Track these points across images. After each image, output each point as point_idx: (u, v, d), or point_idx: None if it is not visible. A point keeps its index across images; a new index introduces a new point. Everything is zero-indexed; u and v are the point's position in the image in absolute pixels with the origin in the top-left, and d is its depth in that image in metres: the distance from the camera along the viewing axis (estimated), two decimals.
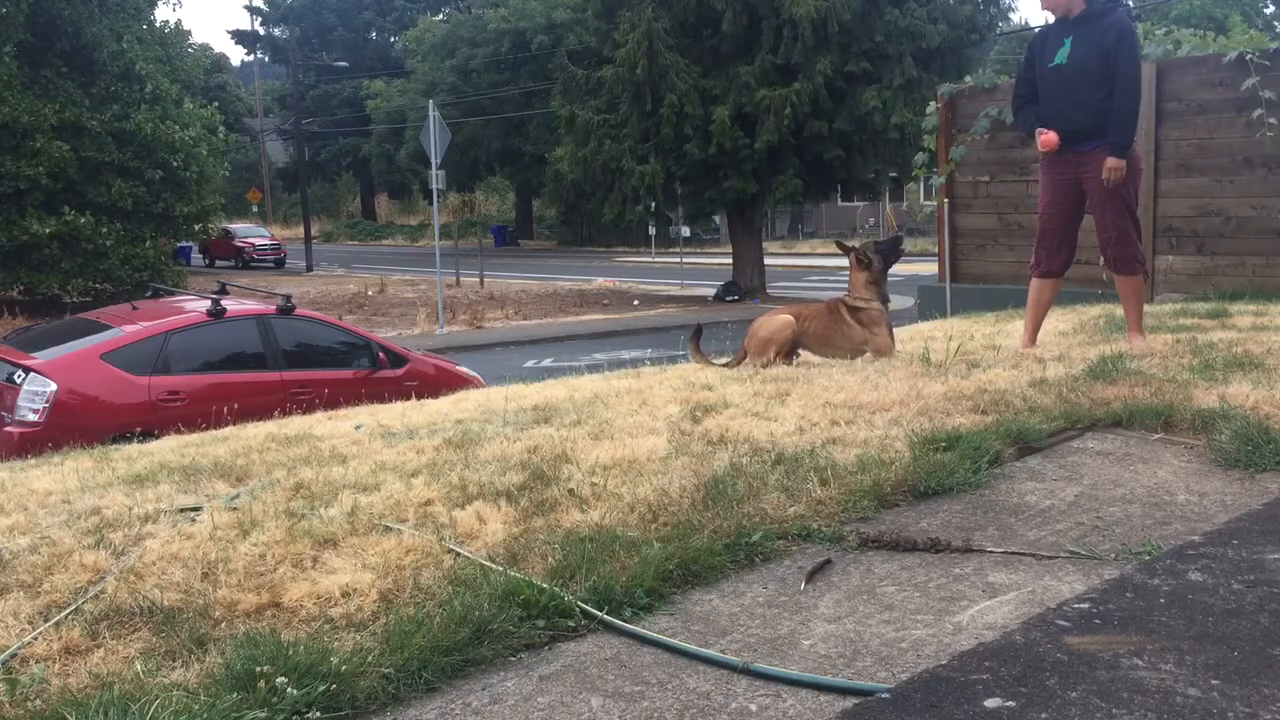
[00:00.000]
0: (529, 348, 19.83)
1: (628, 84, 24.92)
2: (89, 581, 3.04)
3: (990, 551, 3.15)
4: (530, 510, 3.47)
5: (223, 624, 2.74)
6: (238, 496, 3.84)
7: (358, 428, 5.28)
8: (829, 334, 6.25)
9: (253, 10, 62.25)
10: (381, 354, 10.02)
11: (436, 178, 22.73)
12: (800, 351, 6.29)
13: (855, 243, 6.58)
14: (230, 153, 40.97)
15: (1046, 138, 5.78)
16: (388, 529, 3.33)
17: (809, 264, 37.73)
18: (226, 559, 3.12)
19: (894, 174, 28.46)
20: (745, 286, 27.23)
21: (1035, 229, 6.23)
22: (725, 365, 6.27)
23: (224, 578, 3.00)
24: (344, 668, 2.42)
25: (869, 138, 25.01)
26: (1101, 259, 6.06)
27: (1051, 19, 5.95)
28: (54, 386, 8.21)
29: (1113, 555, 3.07)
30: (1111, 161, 5.64)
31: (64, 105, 22.96)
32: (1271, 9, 46.26)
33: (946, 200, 11.87)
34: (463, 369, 11.00)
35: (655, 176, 25.32)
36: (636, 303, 26.80)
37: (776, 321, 6.16)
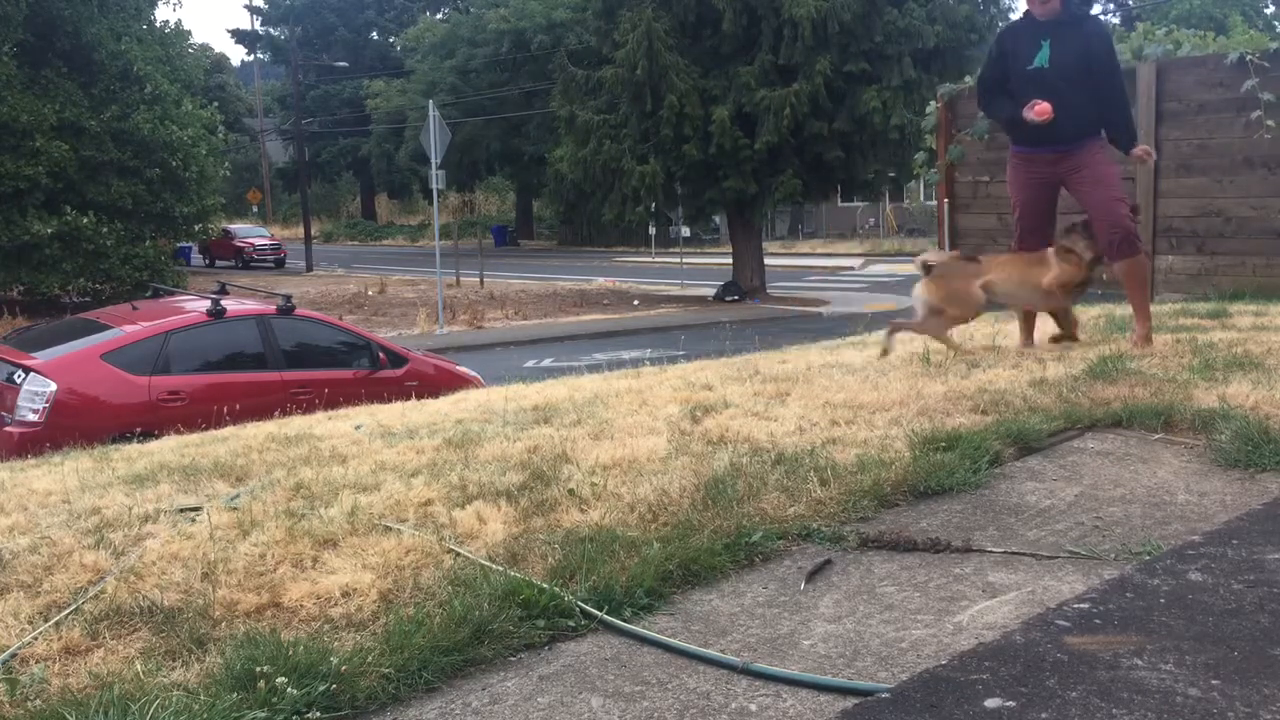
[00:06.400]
0: (529, 348, 19.83)
1: (628, 84, 24.92)
2: (89, 581, 3.04)
3: (990, 551, 3.15)
4: (530, 510, 3.47)
5: (223, 624, 2.74)
6: (238, 496, 3.84)
7: (358, 428, 5.28)
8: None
9: (253, 10, 62.27)
10: (381, 354, 10.02)
11: (436, 178, 22.72)
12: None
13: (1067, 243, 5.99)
14: (230, 153, 41.03)
15: (1042, 107, 5.65)
16: (388, 529, 3.33)
17: (809, 264, 37.74)
18: (226, 559, 3.12)
19: (893, 174, 28.47)
20: (745, 287, 27.23)
21: (1013, 230, 6.22)
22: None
23: (224, 578, 3.00)
24: (344, 668, 2.42)
25: (869, 138, 25.01)
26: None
27: (1021, 14, 5.99)
28: (54, 386, 8.21)
29: (1113, 555, 3.07)
30: (1139, 150, 5.92)
31: (64, 105, 22.95)
32: (1271, 9, 46.27)
33: (946, 200, 11.87)
34: (463, 369, 10.99)
35: (655, 177, 25.31)
36: (636, 303, 26.80)
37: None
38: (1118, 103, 5.78)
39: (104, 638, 2.69)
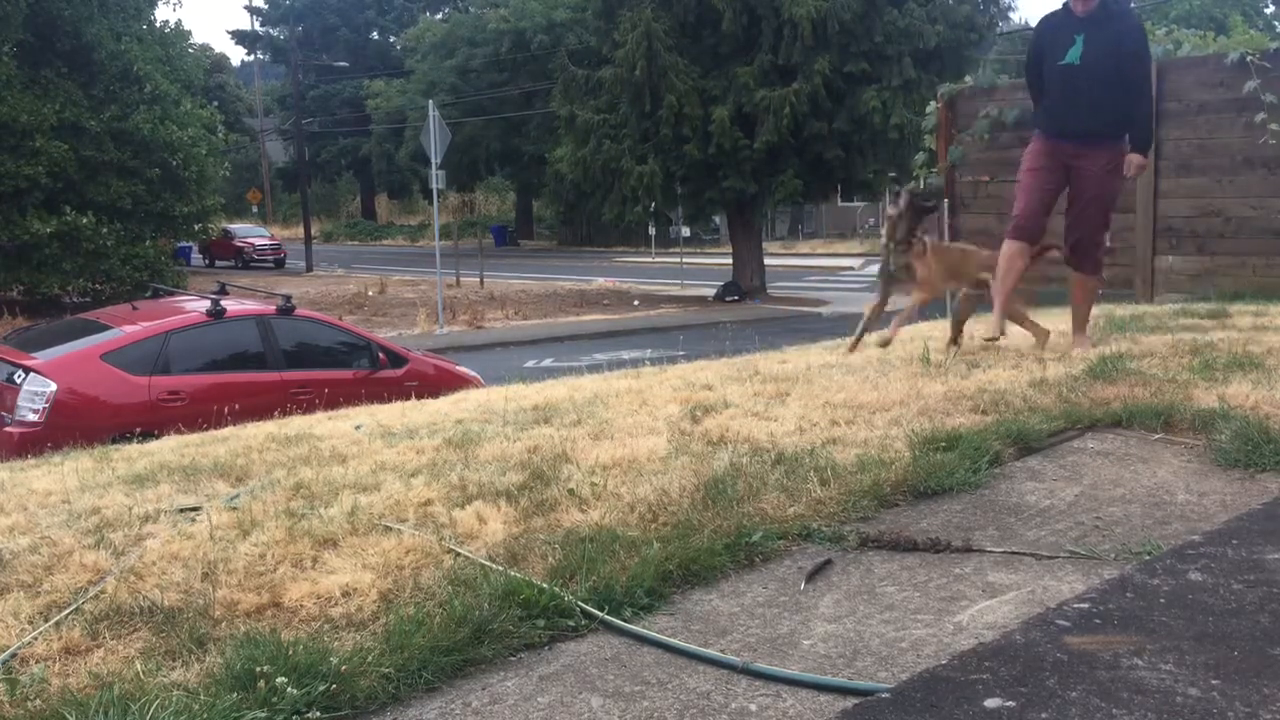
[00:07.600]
0: (529, 348, 19.83)
1: (627, 84, 24.94)
2: (89, 581, 3.04)
3: (990, 551, 3.15)
4: (530, 510, 3.47)
5: (223, 624, 2.74)
6: (238, 496, 3.84)
7: (358, 428, 5.28)
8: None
9: (253, 10, 62.24)
10: (381, 354, 10.02)
11: (436, 178, 22.72)
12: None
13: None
14: (230, 153, 41.02)
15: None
16: (388, 529, 3.33)
17: (809, 264, 37.74)
18: (226, 559, 3.12)
19: (893, 174, 28.48)
20: (745, 287, 27.24)
21: (1015, 204, 6.15)
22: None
23: (224, 578, 3.00)
24: (344, 668, 2.42)
25: (868, 138, 25.03)
26: (1066, 253, 6.03)
27: (1060, 6, 5.94)
28: (54, 386, 8.21)
29: (1113, 555, 3.07)
30: (1139, 159, 5.83)
31: (63, 105, 22.95)
32: (1271, 9, 46.29)
33: (946, 200, 11.86)
34: (463, 369, 10.99)
35: (655, 177, 25.32)
36: (636, 303, 26.79)
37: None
38: (1141, 98, 5.80)
39: (104, 638, 2.69)
